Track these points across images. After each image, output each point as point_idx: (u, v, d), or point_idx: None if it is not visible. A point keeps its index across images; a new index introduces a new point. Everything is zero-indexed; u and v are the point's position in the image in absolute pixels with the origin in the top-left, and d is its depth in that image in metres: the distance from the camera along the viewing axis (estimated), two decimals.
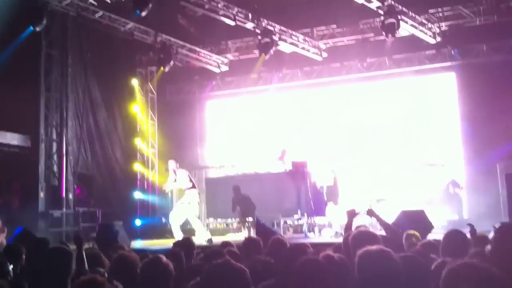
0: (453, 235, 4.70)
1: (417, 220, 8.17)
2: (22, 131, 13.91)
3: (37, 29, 12.73)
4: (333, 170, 12.06)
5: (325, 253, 4.16)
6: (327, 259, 3.90)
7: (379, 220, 5.88)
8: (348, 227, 5.71)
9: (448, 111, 14.80)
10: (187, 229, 11.37)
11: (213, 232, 12.47)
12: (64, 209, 13.62)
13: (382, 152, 14.69)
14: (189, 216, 11.00)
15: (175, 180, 11.28)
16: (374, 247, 3.33)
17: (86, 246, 8.09)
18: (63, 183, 13.87)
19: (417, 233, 5.66)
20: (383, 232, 6.33)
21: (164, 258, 3.87)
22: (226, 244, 6.16)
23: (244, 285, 2.77)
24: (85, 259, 4.79)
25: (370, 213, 5.90)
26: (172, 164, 11.35)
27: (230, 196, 12.14)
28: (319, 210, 11.75)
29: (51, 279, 3.75)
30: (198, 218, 11.32)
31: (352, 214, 5.74)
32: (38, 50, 13.99)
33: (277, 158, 12.81)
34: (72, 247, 5.92)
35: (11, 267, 5.08)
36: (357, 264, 3.19)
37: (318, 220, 12.05)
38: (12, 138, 13.78)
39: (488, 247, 4.02)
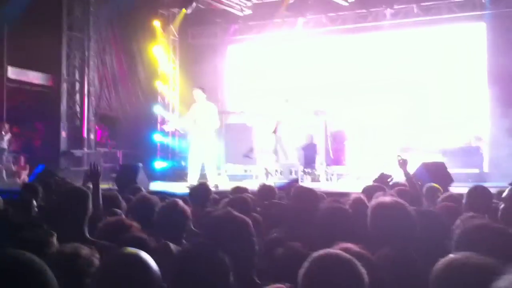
0: (477, 191, 4.65)
1: (437, 173, 8.07)
2: (44, 70, 13.95)
3: None
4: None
5: (356, 196, 4.10)
6: (357, 202, 3.85)
7: (406, 172, 5.75)
8: (408, 176, 5.52)
9: (476, 63, 14.36)
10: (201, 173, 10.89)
11: (232, 178, 12.47)
12: (86, 149, 13.78)
13: (406, 103, 14.45)
14: (208, 157, 10.39)
15: (195, 113, 10.42)
16: (387, 199, 3.30)
17: (105, 186, 8.24)
18: (85, 123, 13.97)
19: (439, 187, 5.58)
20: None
21: (180, 203, 3.89)
22: (240, 190, 6.15)
23: (246, 237, 2.73)
24: (100, 196, 4.78)
25: (403, 164, 5.64)
26: (198, 94, 10.48)
27: (249, 143, 11.99)
28: (337, 159, 11.70)
29: (69, 219, 3.78)
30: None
31: (404, 164, 5.53)
32: None
33: (271, 131, 12.43)
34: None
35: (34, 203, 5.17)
36: (370, 215, 3.17)
37: (336, 169, 12.03)
38: (35, 77, 13.84)
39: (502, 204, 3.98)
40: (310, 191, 4.54)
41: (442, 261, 2.16)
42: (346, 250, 2.40)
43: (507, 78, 13.06)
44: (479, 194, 4.65)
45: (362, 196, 4.07)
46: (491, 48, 14.07)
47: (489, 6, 13.95)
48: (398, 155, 5.63)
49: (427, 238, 3.19)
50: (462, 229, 2.75)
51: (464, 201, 4.63)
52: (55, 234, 3.09)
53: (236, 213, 2.84)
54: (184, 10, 14.96)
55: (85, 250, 2.48)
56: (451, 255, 2.19)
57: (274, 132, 12.05)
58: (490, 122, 13.80)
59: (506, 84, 13.09)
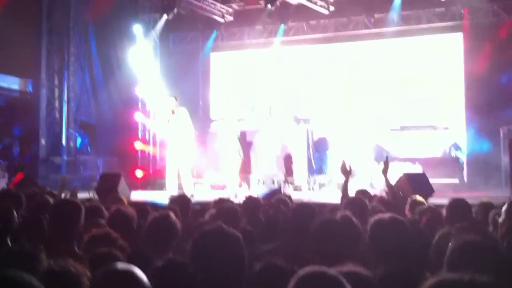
0: (457, 204, 4.70)
1: (418, 183, 8.15)
2: (23, 75, 13.76)
3: None
4: None
5: (343, 214, 4.10)
6: (345, 220, 3.84)
7: (387, 181, 5.77)
8: (344, 189, 5.62)
9: (452, 72, 14.52)
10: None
11: (212, 187, 12.41)
12: (65, 157, 13.61)
13: (384, 112, 14.55)
14: (182, 166, 10.28)
15: (168, 121, 10.35)
16: (386, 215, 3.31)
17: (86, 196, 8.16)
18: (64, 130, 13.80)
19: (423, 200, 5.63)
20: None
21: (173, 216, 3.86)
22: (224, 202, 6.11)
23: (237, 252, 2.71)
24: None
25: (385, 171, 5.70)
26: (171, 102, 10.39)
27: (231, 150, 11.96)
28: (319, 168, 11.74)
29: (58, 232, 3.73)
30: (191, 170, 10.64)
31: (346, 173, 5.66)
32: None
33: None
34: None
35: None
36: (369, 233, 3.16)
37: (318, 178, 12.07)
38: (13, 82, 13.65)
39: (499, 218, 4.02)
40: (308, 206, 4.53)
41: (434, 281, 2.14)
42: (353, 272, 2.35)
43: (482, 88, 13.22)
44: (459, 207, 4.71)
45: (348, 213, 4.07)
46: (467, 57, 14.23)
47: (467, 16, 14.11)
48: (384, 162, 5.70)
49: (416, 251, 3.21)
50: (454, 245, 2.75)
51: (444, 214, 4.68)
52: (43, 250, 3.03)
53: (227, 228, 2.81)
54: (165, 16, 14.88)
55: (75, 268, 2.40)
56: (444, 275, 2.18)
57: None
58: (466, 132, 13.93)
59: (481, 93, 13.24)
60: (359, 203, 4.95)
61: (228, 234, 2.78)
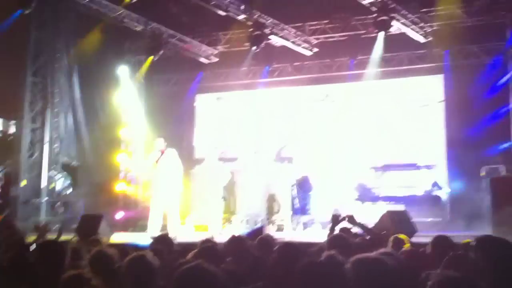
0: (441, 241, 4.70)
1: (401, 221, 8.14)
2: (5, 116, 13.70)
3: (26, 11, 12.46)
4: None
5: (329, 253, 4.05)
6: (329, 260, 3.78)
7: (360, 226, 6.02)
8: (331, 232, 5.78)
9: (434, 112, 14.71)
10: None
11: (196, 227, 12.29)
12: (46, 198, 13.43)
13: (366, 151, 14.63)
14: (171, 205, 10.17)
15: (157, 161, 10.28)
16: (369, 255, 3.28)
17: (67, 237, 8.02)
18: (46, 171, 13.66)
19: (406, 237, 5.63)
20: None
21: (149, 255, 3.81)
22: (206, 241, 6.03)
23: None
24: None
25: (351, 221, 6.04)
26: (160, 143, 10.40)
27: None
28: (303, 208, 11.70)
29: (43, 273, 3.67)
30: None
31: (336, 221, 5.85)
32: (27, 33, 13.76)
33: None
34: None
35: None
36: (352, 272, 3.12)
37: (302, 218, 12.01)
38: None
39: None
40: (294, 245, 4.49)
41: None
42: None
43: (463, 128, 13.38)
44: (443, 244, 4.72)
45: (335, 253, 4.04)
46: (448, 97, 14.44)
47: (448, 58, 14.39)
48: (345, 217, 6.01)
49: None
50: (434, 281, 2.74)
51: (429, 251, 4.68)
52: None
53: (207, 266, 2.78)
54: (151, 57, 14.99)
55: None
56: None
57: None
58: (448, 171, 14.02)
59: (462, 133, 13.40)
60: (342, 241, 4.95)
61: (208, 272, 2.75)
